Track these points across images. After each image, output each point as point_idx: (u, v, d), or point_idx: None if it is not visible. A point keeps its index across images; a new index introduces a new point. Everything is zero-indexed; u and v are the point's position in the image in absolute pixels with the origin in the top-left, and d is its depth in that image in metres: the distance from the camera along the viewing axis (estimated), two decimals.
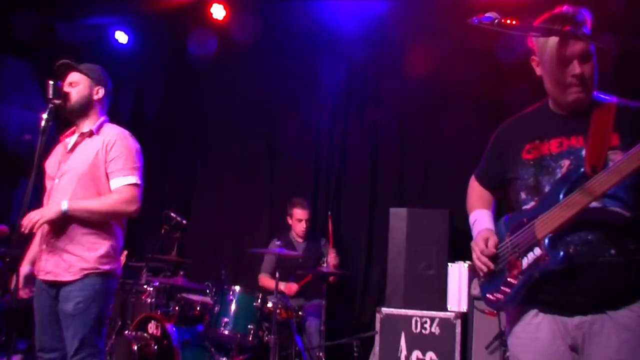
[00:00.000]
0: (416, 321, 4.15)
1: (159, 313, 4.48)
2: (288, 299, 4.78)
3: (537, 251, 1.87)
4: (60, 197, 2.85)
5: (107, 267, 2.84)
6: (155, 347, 4.18)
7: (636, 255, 1.83)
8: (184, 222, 4.97)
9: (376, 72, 5.53)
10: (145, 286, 4.76)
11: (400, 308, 4.24)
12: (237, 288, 4.37)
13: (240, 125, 6.04)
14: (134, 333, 4.26)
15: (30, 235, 2.85)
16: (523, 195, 2.02)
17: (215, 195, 6.10)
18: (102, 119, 3.06)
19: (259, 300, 4.33)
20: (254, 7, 5.75)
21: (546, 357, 1.90)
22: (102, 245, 2.84)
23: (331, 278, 4.84)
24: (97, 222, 2.84)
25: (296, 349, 4.46)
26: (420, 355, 4.09)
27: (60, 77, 3.02)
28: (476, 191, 2.29)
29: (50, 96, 2.90)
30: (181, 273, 4.77)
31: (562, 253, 1.81)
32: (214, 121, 6.23)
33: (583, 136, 1.92)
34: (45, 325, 2.86)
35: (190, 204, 6.19)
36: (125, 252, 4.70)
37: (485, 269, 2.01)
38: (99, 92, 3.04)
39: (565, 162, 1.92)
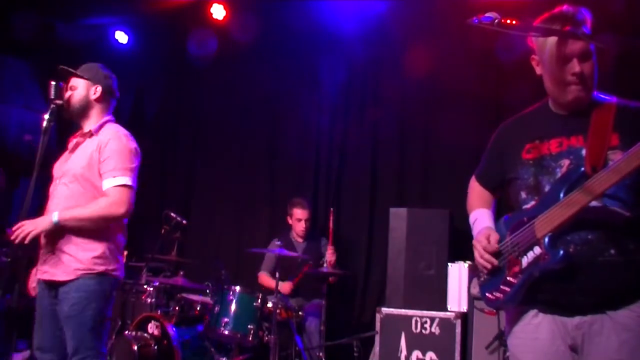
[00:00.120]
0: (416, 321, 4.15)
1: (159, 313, 4.48)
2: (288, 299, 4.78)
3: (537, 250, 1.87)
4: (58, 199, 2.87)
5: (101, 268, 2.81)
6: (155, 347, 4.18)
7: (636, 255, 1.83)
8: (184, 222, 4.97)
9: (376, 72, 5.53)
10: (145, 286, 4.76)
11: (400, 308, 4.24)
12: (237, 288, 4.37)
13: (240, 125, 6.04)
14: (134, 333, 4.26)
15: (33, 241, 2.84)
16: (523, 195, 2.02)
17: (215, 195, 6.10)
18: (105, 118, 3.03)
19: (259, 300, 4.33)
20: (254, 7, 5.75)
21: (546, 357, 1.90)
22: (98, 246, 2.82)
23: (331, 278, 4.84)
24: (91, 228, 2.81)
25: (296, 349, 4.46)
26: (420, 355, 4.09)
27: (61, 78, 3.02)
28: (476, 191, 2.29)
29: (52, 97, 2.90)
30: (181, 273, 4.76)
31: (562, 252, 1.81)
32: (214, 121, 6.23)
33: (583, 136, 1.92)
34: (45, 325, 2.86)
35: (190, 204, 6.19)
36: (125, 252, 4.70)
37: (489, 266, 2.00)
38: (97, 91, 3.02)
39: (565, 162, 1.93)
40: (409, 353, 4.12)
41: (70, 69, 3.02)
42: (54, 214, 2.77)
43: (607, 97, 1.99)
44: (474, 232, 2.15)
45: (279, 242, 4.84)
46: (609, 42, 1.73)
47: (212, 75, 6.13)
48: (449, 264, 4.27)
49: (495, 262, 1.99)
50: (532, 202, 1.98)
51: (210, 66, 6.05)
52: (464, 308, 4.14)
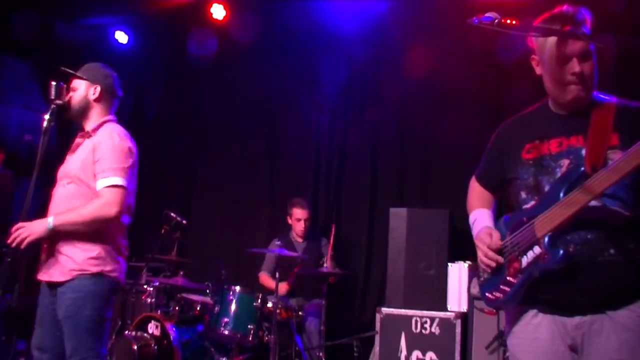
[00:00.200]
0: (416, 321, 4.15)
1: (159, 313, 4.48)
2: (288, 299, 4.79)
3: (537, 250, 1.87)
4: (58, 201, 2.86)
5: (96, 269, 2.77)
6: (155, 347, 4.18)
7: (636, 254, 1.83)
8: (184, 222, 4.97)
9: (376, 72, 5.53)
10: (145, 286, 4.76)
11: (400, 308, 4.24)
12: (237, 288, 4.37)
13: (240, 125, 6.04)
14: (134, 333, 4.26)
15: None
16: (523, 195, 2.02)
17: (215, 195, 6.10)
18: (105, 118, 3.00)
19: (259, 300, 4.33)
20: (254, 7, 5.75)
21: (546, 357, 1.90)
22: (93, 247, 2.79)
23: (330, 279, 4.85)
24: (87, 230, 2.79)
25: (296, 349, 4.46)
26: (420, 355, 4.09)
27: (62, 78, 3.01)
28: (476, 191, 2.29)
29: (52, 97, 2.89)
30: (181, 273, 4.76)
31: (561, 252, 1.81)
32: (214, 121, 6.23)
33: (583, 136, 1.92)
34: (45, 325, 2.86)
35: (190, 204, 6.20)
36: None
37: (493, 264, 1.99)
38: (96, 91, 2.99)
39: (565, 162, 1.93)
40: (409, 353, 4.12)
41: (69, 70, 3.01)
42: (49, 220, 2.76)
43: (607, 97, 1.99)
44: (474, 232, 2.14)
45: (279, 242, 4.84)
46: (609, 42, 1.73)
47: (212, 75, 6.13)
48: (449, 264, 4.27)
49: (501, 259, 1.97)
50: (532, 202, 1.98)
51: (210, 66, 6.05)
52: (464, 308, 4.14)
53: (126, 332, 4.32)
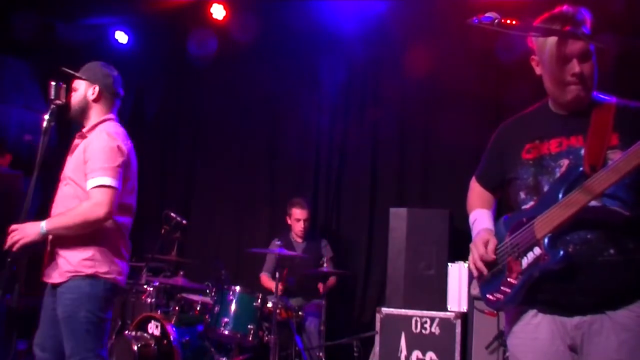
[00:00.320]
0: (416, 321, 4.15)
1: (159, 313, 4.48)
2: (288, 299, 4.79)
3: (537, 251, 1.87)
4: (57, 202, 2.87)
5: (90, 270, 2.75)
6: (155, 347, 4.18)
7: (635, 254, 1.83)
8: (184, 222, 4.96)
9: (376, 72, 5.53)
10: (145, 286, 4.76)
11: (400, 308, 4.24)
12: (237, 288, 4.37)
13: (240, 125, 6.05)
14: (134, 333, 4.26)
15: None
16: (522, 195, 2.02)
17: (215, 195, 6.10)
18: (102, 118, 2.97)
19: (259, 300, 4.33)
20: (254, 7, 5.75)
21: (546, 357, 1.90)
22: (87, 248, 2.77)
23: (329, 281, 4.85)
24: (80, 232, 2.77)
25: (296, 349, 4.46)
26: (420, 355, 4.09)
27: (63, 79, 3.01)
28: (476, 192, 2.29)
29: (52, 97, 2.88)
30: (181, 273, 4.77)
31: (561, 252, 1.81)
32: (214, 121, 6.23)
33: (583, 136, 1.92)
34: (47, 325, 2.86)
35: (190, 204, 6.20)
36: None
37: (476, 273, 2.04)
38: (95, 91, 2.97)
39: (565, 162, 1.92)
40: (409, 353, 4.12)
41: (69, 70, 3.00)
42: (42, 224, 2.75)
43: (606, 97, 1.99)
44: (473, 232, 2.14)
45: (279, 242, 4.84)
46: (609, 42, 1.73)
47: (212, 75, 6.13)
48: (449, 264, 4.28)
49: (486, 272, 2.00)
50: (531, 202, 1.97)
51: (210, 66, 6.05)
52: (464, 308, 4.14)
53: (126, 332, 4.32)
